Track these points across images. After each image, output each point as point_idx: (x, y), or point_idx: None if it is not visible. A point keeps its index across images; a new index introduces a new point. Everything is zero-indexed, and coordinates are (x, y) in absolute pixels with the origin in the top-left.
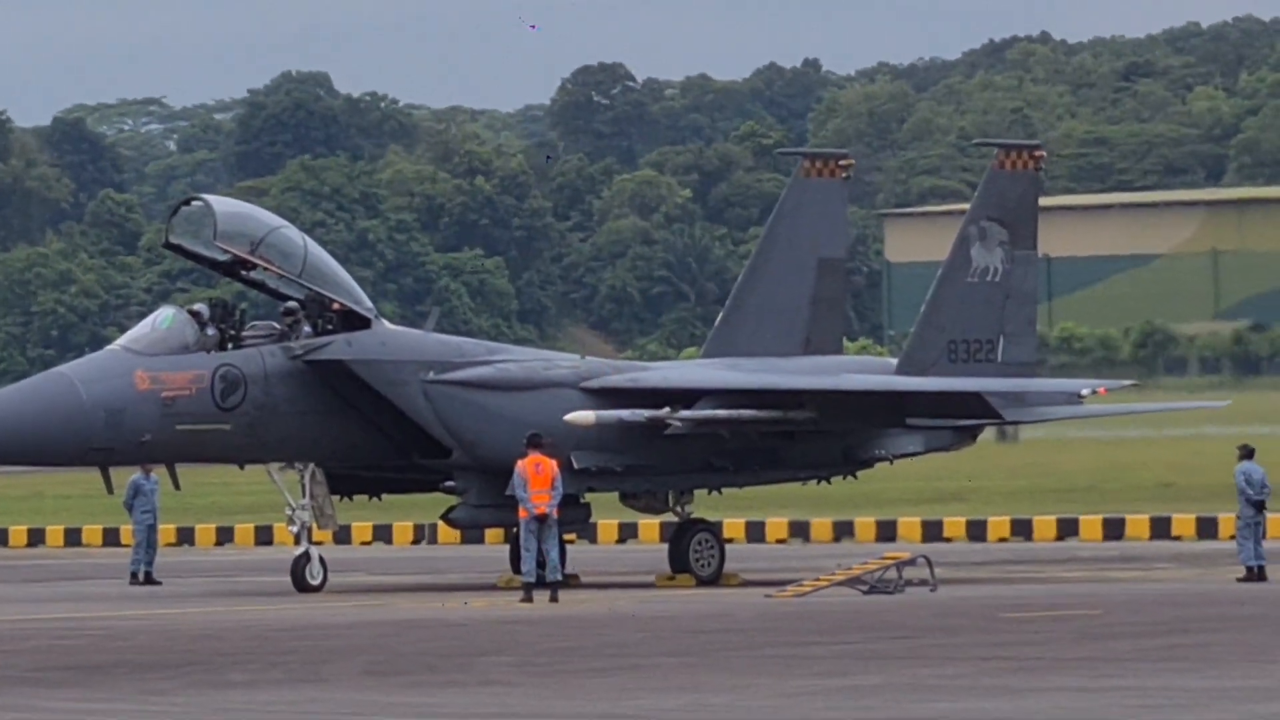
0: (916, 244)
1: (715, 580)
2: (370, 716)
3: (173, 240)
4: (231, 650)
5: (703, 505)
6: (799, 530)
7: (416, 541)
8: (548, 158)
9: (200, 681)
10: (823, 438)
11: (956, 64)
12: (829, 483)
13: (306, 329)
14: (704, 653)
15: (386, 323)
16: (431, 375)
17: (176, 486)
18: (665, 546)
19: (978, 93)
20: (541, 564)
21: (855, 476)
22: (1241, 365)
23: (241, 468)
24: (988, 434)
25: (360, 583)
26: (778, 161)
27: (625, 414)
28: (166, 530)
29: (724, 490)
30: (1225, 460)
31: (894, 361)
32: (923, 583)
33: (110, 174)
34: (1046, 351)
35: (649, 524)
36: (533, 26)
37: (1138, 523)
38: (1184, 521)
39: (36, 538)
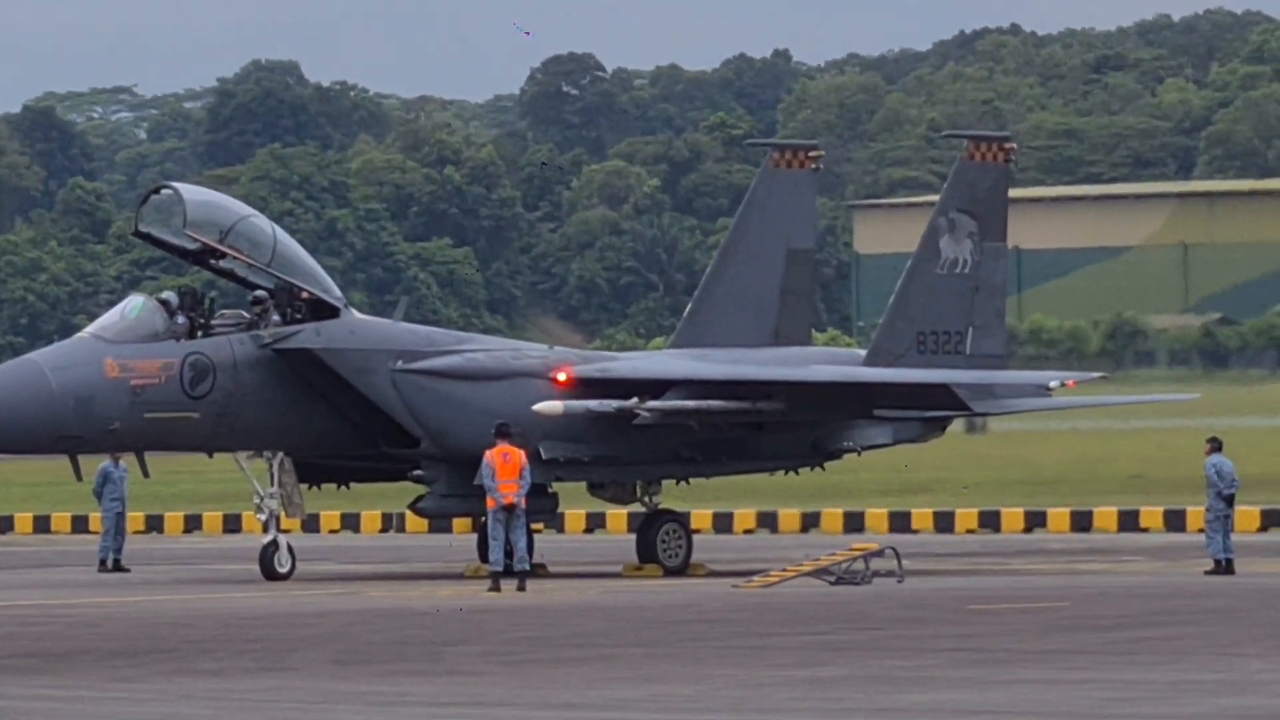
0: (885, 235)
1: (682, 571)
2: (338, 705)
3: (142, 228)
4: (200, 638)
5: (671, 495)
6: (767, 521)
7: (384, 530)
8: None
9: (168, 669)
10: (791, 429)
11: (927, 55)
12: (797, 473)
13: (275, 318)
14: (671, 643)
15: (355, 312)
16: (400, 364)
17: (145, 474)
18: (633, 536)
19: (948, 84)
20: (509, 553)
21: (823, 468)
22: (1210, 358)
23: (210, 456)
24: (956, 426)
25: (328, 571)
26: (747, 152)
27: (593, 404)
28: (135, 518)
29: (692, 480)
30: (1194, 453)
31: (862, 353)
32: (890, 574)
33: (80, 162)
34: (1015, 344)
35: (617, 514)
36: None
37: (1106, 515)
38: (1152, 514)
39: (5, 525)
